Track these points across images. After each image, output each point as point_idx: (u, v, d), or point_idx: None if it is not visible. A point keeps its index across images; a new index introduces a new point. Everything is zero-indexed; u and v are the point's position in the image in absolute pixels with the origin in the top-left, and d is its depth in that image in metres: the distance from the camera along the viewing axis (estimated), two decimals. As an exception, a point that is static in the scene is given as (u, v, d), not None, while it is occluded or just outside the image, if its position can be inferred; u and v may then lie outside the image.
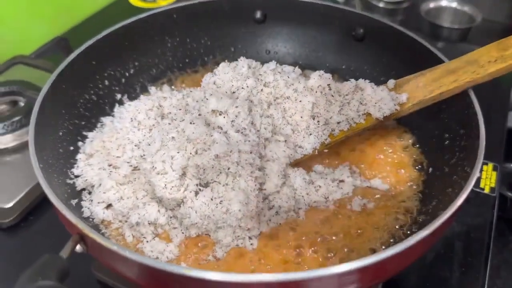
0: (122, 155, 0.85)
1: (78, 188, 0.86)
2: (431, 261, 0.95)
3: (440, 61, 0.95)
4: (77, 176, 0.88)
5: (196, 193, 0.78)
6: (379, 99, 0.88)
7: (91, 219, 0.83)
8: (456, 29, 1.66)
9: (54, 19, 1.61)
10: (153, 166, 0.76)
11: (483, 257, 0.96)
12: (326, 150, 0.93)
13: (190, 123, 0.76)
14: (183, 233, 0.80)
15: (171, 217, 0.81)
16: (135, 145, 0.86)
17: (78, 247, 0.66)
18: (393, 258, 0.61)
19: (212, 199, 0.76)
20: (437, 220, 0.66)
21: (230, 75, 0.86)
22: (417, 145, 0.98)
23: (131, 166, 0.84)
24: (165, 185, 0.75)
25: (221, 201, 0.75)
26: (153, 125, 0.89)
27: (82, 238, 0.65)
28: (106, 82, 1.05)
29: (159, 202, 0.81)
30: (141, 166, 0.79)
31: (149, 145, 0.80)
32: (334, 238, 0.80)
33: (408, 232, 0.83)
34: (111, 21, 1.06)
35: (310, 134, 0.88)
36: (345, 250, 0.79)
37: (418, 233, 0.63)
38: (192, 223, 0.76)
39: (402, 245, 0.62)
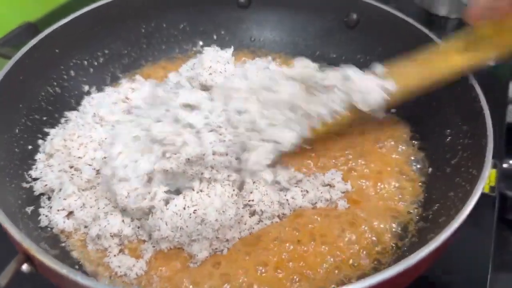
0: (84, 155, 0.75)
1: (36, 193, 0.76)
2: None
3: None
4: (35, 179, 0.78)
5: (166, 202, 0.68)
6: (365, 88, 0.77)
7: (49, 229, 0.73)
8: (453, 19, 1.58)
9: (25, 5, 1.48)
10: (113, 172, 0.66)
11: (486, 264, 0.88)
12: (309, 147, 0.83)
13: (157, 121, 0.66)
14: (153, 247, 0.71)
15: (138, 227, 0.72)
16: (98, 144, 0.76)
17: (26, 267, 0.56)
18: (392, 279, 0.53)
19: (184, 208, 0.66)
20: (444, 233, 0.58)
21: (211, 55, 0.75)
22: (415, 142, 0.89)
23: (94, 169, 0.74)
24: (128, 193, 0.66)
25: (195, 210, 0.66)
26: (117, 121, 0.79)
27: (29, 258, 0.55)
28: (72, 73, 0.94)
29: (123, 212, 0.71)
30: (102, 171, 0.69)
31: (111, 146, 0.70)
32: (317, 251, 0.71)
33: (407, 240, 0.75)
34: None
35: (289, 128, 0.78)
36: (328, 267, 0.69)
37: (416, 253, 0.55)
38: (163, 236, 0.67)
39: (403, 264, 0.54)
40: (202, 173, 0.67)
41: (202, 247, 0.68)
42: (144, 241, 0.72)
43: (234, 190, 0.69)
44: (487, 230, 0.92)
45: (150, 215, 0.68)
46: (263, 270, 0.68)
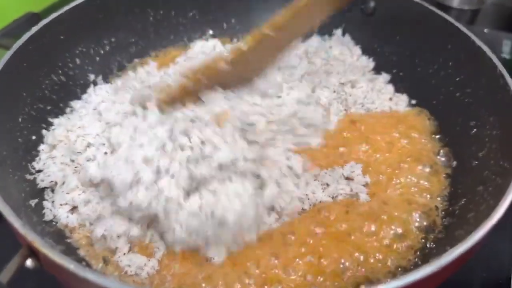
0: (85, 150, 0.71)
1: (40, 186, 0.72)
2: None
3: (464, 40, 0.82)
4: (39, 171, 0.74)
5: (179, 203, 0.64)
6: None
7: (54, 223, 0.69)
8: (465, 10, 1.54)
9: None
10: (113, 180, 0.63)
11: (508, 262, 0.84)
12: None
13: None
14: (166, 244, 0.66)
15: (148, 227, 0.67)
16: (96, 137, 0.73)
17: (30, 262, 0.52)
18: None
19: (200, 209, 0.62)
20: (476, 232, 0.54)
21: None
22: (439, 135, 0.85)
23: (98, 166, 0.69)
24: (131, 202, 0.62)
25: (213, 211, 0.61)
26: (117, 123, 0.74)
27: (34, 252, 0.51)
28: (78, 61, 0.90)
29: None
30: (103, 173, 0.66)
31: (112, 151, 0.67)
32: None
33: (434, 235, 0.70)
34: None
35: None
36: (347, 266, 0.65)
37: (440, 258, 0.50)
38: (177, 240, 0.62)
39: (430, 267, 0.49)
40: (230, 177, 0.64)
41: (220, 250, 0.63)
42: (155, 241, 0.67)
43: (256, 190, 0.65)
44: (509, 227, 0.88)
45: (164, 215, 0.63)
46: (276, 262, 0.64)
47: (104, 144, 0.72)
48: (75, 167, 0.72)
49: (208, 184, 0.63)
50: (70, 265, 0.46)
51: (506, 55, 1.25)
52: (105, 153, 0.71)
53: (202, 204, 0.62)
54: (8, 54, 0.75)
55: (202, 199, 0.63)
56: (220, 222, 0.61)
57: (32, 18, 1.36)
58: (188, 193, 0.63)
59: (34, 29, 0.81)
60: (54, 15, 0.85)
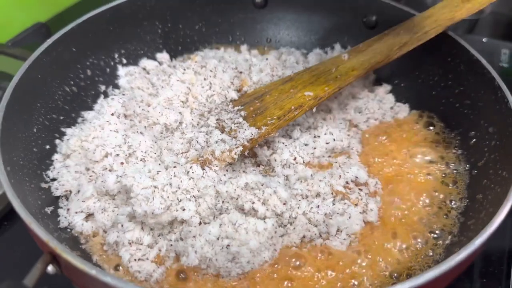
0: (102, 159, 0.74)
1: (55, 194, 0.75)
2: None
3: (463, 53, 0.87)
4: (53, 180, 0.76)
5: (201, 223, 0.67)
6: None
7: (69, 230, 0.72)
8: (464, 20, 1.56)
9: (36, 5, 1.47)
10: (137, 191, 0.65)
11: (504, 266, 0.86)
12: None
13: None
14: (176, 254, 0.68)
15: (158, 236, 0.69)
16: (115, 150, 0.75)
17: (51, 268, 0.54)
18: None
19: (218, 239, 0.64)
20: (476, 239, 0.56)
21: None
22: (436, 145, 0.87)
23: (116, 177, 0.71)
24: (145, 212, 0.64)
25: (229, 244, 0.63)
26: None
27: (55, 258, 0.53)
28: (89, 72, 0.93)
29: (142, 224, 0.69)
30: (122, 181, 0.68)
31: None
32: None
33: (434, 243, 0.73)
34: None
35: None
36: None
37: (462, 250, 0.54)
38: (190, 264, 0.64)
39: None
40: (253, 203, 0.66)
41: (230, 279, 0.65)
42: (166, 250, 0.69)
43: (276, 229, 0.67)
44: (508, 235, 0.90)
45: (181, 240, 0.66)
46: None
47: (118, 155, 0.75)
48: (90, 176, 0.74)
49: (231, 216, 0.66)
50: (92, 270, 0.48)
51: (504, 64, 1.28)
52: (122, 163, 0.73)
53: (221, 235, 0.64)
54: (24, 66, 0.78)
55: (222, 228, 0.65)
56: (233, 257, 0.63)
57: (40, 28, 1.39)
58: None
59: (48, 41, 0.84)
60: (66, 28, 0.88)
